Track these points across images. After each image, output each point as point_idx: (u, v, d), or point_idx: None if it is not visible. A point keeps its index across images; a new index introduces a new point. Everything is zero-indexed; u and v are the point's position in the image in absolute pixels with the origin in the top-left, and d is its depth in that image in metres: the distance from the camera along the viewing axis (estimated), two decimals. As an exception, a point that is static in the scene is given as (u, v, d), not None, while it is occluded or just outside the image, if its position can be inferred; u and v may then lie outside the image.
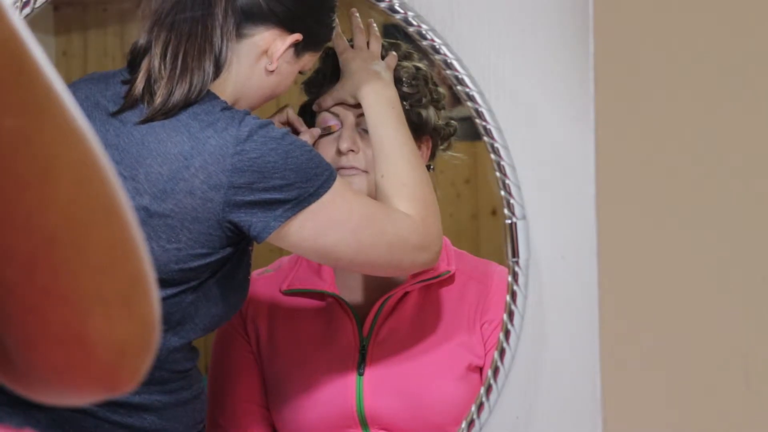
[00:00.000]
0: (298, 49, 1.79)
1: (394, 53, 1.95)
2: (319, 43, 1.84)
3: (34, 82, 0.70)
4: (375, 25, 1.96)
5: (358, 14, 1.95)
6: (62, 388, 0.73)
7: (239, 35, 1.75)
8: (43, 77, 0.70)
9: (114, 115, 1.73)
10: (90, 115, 1.74)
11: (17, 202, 0.69)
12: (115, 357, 0.71)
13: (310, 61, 1.84)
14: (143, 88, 1.72)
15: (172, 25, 1.73)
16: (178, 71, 1.71)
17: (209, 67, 1.72)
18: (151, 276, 0.73)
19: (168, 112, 1.70)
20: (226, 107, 1.71)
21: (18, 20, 0.70)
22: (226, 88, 1.75)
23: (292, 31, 1.77)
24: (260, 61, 1.77)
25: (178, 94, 1.70)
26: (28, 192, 0.69)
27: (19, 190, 0.69)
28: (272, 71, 1.78)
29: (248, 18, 1.75)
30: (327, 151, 1.92)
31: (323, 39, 1.85)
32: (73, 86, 1.79)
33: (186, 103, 1.70)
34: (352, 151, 1.92)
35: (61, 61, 2.42)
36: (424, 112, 1.97)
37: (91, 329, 0.70)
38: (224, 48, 1.73)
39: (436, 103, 2.00)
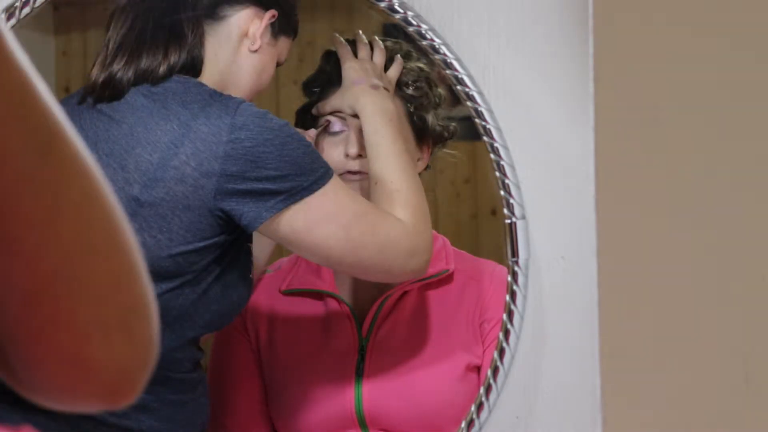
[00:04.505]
0: (275, 29, 1.81)
1: (400, 58, 1.94)
2: (291, 25, 1.85)
3: (38, 121, 0.69)
4: (380, 41, 1.96)
5: (361, 32, 1.96)
6: (63, 400, 0.74)
7: (216, 17, 1.77)
8: (47, 114, 0.70)
9: (80, 102, 1.75)
10: (79, 112, 1.74)
11: (21, 240, 0.69)
12: (116, 376, 0.73)
13: (285, 48, 1.85)
14: (104, 64, 1.76)
15: (141, 7, 1.77)
16: (145, 47, 1.74)
17: (179, 44, 1.75)
18: (151, 297, 0.74)
19: (124, 86, 1.72)
20: (216, 93, 1.72)
21: (21, 56, 0.69)
22: (212, 75, 1.76)
23: (266, 8, 1.79)
24: (243, 43, 1.79)
25: (143, 66, 1.73)
26: (32, 231, 0.69)
27: (23, 230, 0.69)
28: (256, 50, 1.79)
29: None
30: (334, 154, 1.91)
31: (294, 18, 1.86)
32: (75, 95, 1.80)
33: (151, 78, 1.72)
34: (360, 156, 1.91)
35: (61, 61, 2.42)
36: (427, 116, 1.97)
37: (91, 353, 0.71)
38: (194, 28, 1.75)
39: (437, 106, 2.00)
